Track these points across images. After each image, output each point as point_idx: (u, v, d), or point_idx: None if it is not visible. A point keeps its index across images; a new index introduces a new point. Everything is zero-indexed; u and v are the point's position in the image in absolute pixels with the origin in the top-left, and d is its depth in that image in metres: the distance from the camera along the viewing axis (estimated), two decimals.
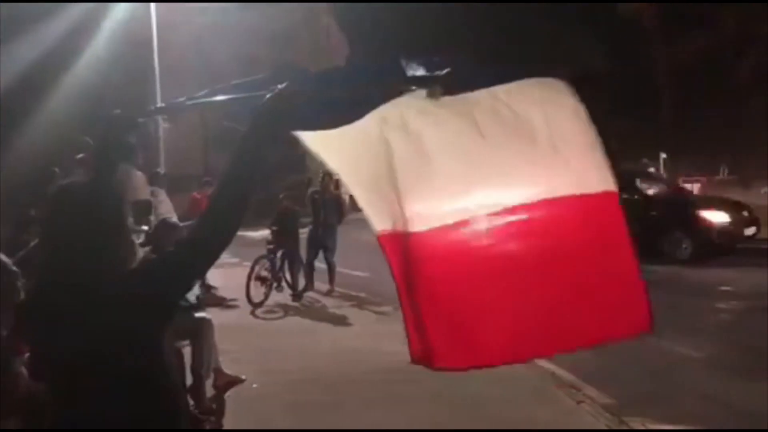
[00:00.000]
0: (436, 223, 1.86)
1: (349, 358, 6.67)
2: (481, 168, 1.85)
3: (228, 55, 30.71)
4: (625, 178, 12.39)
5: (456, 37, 42.30)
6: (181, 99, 2.13)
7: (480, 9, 40.18)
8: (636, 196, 12.95)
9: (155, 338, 1.70)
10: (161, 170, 10.72)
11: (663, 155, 44.03)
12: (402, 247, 1.89)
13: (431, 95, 1.91)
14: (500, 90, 1.90)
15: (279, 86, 1.81)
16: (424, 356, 1.92)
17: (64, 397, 1.65)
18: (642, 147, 46.28)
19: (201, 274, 1.87)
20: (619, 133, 48.99)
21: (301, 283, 10.15)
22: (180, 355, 4.84)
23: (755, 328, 7.41)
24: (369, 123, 1.94)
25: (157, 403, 1.67)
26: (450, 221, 1.85)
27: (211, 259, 1.79)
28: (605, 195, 1.83)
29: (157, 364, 1.69)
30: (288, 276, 10.07)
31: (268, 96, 1.81)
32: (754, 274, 10.82)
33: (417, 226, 1.87)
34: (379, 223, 1.95)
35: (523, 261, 1.84)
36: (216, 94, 2.28)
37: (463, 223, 1.85)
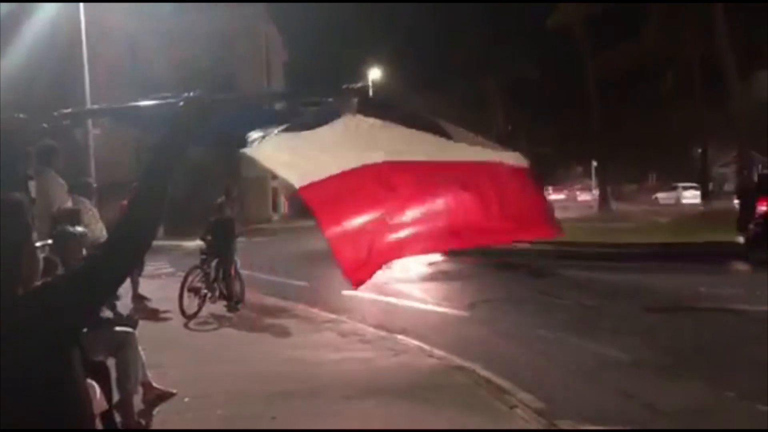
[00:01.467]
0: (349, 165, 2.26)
1: (285, 369, 6.59)
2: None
3: (163, 60, 30.08)
4: None
5: (388, 40, 42.66)
6: (96, 106, 2.09)
7: (414, 13, 40.69)
8: None
9: (63, 364, 1.61)
10: (91, 181, 10.39)
11: (594, 162, 45.55)
12: (321, 190, 2.26)
13: (349, 108, 2.00)
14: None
15: (193, 94, 1.79)
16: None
17: None
18: (574, 154, 47.86)
19: (115, 288, 1.80)
20: (552, 141, 50.49)
21: (237, 293, 9.98)
22: (105, 370, 4.68)
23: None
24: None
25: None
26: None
27: (128, 267, 1.76)
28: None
29: (65, 391, 1.61)
30: (223, 286, 9.88)
31: (183, 104, 1.78)
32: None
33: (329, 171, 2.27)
34: (299, 180, 2.28)
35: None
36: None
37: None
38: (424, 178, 2.27)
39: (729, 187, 37.43)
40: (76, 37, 16.93)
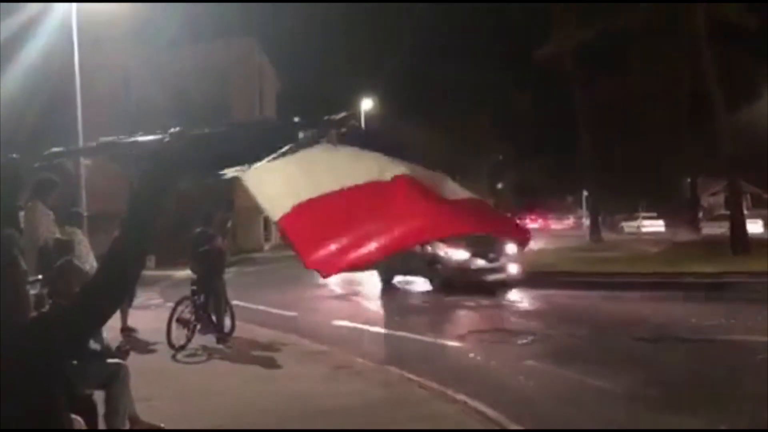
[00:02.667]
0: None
1: (275, 401, 6.52)
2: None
3: (157, 92, 30.23)
4: None
5: (380, 71, 43.15)
6: (89, 144, 2.08)
7: (406, 44, 41.28)
8: None
9: (48, 396, 1.60)
10: (82, 210, 10.39)
11: (585, 192, 45.99)
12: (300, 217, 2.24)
13: (329, 140, 2.03)
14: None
15: (176, 129, 1.80)
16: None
17: None
18: (565, 184, 48.33)
19: (102, 321, 1.80)
20: (543, 171, 50.84)
21: (227, 324, 9.90)
22: (91, 403, 4.62)
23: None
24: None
25: None
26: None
27: (116, 300, 1.75)
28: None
29: (49, 424, 1.60)
30: (213, 317, 9.79)
31: (168, 138, 1.79)
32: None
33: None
34: (278, 211, 2.25)
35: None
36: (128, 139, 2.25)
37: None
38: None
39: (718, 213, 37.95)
40: (70, 68, 17.03)
